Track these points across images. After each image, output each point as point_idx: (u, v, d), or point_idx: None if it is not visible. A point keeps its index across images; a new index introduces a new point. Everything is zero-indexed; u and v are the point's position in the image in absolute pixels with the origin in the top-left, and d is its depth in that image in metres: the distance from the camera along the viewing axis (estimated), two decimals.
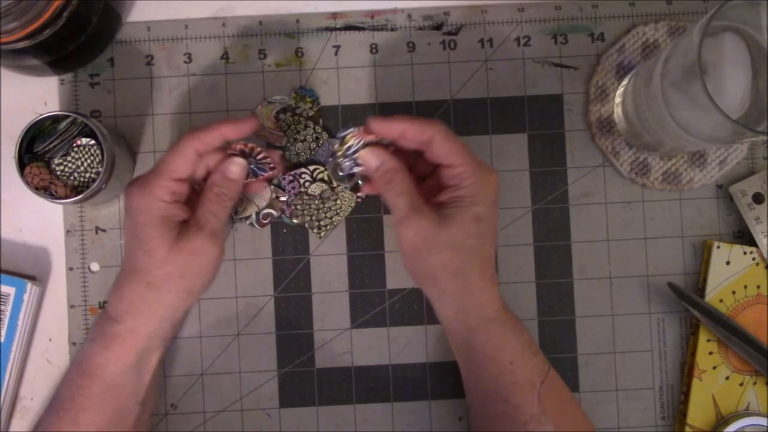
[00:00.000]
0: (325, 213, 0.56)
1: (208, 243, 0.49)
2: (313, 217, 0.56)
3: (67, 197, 0.52)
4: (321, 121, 0.57)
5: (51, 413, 0.49)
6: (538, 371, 0.49)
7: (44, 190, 0.52)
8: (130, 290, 0.48)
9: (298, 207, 0.56)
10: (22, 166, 0.52)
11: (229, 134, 0.49)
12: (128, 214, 0.49)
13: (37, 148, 0.53)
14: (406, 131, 0.48)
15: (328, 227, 0.56)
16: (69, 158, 0.53)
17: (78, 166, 0.53)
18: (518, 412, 0.48)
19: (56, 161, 0.53)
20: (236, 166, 0.50)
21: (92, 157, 0.53)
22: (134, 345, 0.49)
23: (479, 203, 0.48)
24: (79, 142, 0.53)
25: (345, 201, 0.56)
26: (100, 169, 0.52)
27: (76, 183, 0.53)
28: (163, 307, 0.49)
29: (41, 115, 0.51)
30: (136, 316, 0.49)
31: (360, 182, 0.56)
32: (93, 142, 0.53)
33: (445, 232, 0.47)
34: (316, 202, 0.56)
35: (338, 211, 0.56)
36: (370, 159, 0.50)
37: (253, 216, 0.56)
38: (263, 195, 0.56)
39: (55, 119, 0.53)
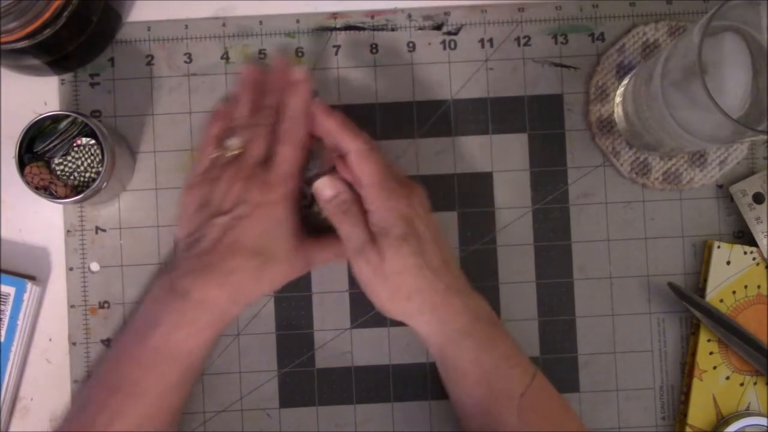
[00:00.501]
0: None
1: (314, 264, 0.53)
2: (315, 210, 0.56)
3: (67, 197, 0.52)
4: None
5: (120, 395, 0.48)
6: (518, 383, 0.48)
7: (44, 189, 0.52)
8: (237, 280, 0.49)
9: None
10: (22, 165, 0.52)
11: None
12: (257, 206, 0.49)
13: (37, 148, 0.53)
14: (331, 134, 0.51)
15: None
16: (69, 158, 0.53)
17: (78, 166, 0.53)
18: (497, 423, 0.48)
19: (56, 161, 0.53)
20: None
21: (92, 157, 0.53)
22: (220, 329, 0.51)
23: (394, 224, 0.48)
24: (79, 142, 0.53)
25: None
26: (100, 169, 0.52)
27: (76, 183, 0.53)
28: (255, 297, 0.52)
29: (41, 114, 0.51)
30: (232, 305, 0.50)
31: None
32: (93, 141, 0.53)
33: (385, 261, 0.48)
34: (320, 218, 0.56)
35: None
36: (325, 189, 0.51)
37: None
38: None
39: (55, 119, 0.53)
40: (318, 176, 0.51)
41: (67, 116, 0.53)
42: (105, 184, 0.52)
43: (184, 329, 0.48)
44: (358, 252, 0.49)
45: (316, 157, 0.52)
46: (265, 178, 0.49)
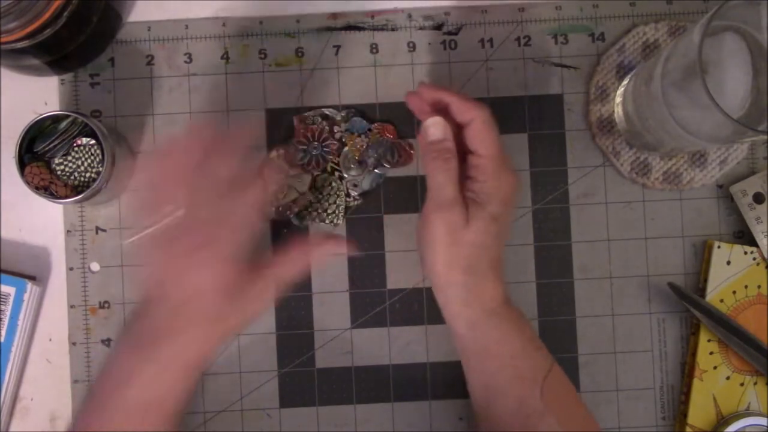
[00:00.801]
0: (326, 200, 0.56)
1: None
2: (318, 210, 0.56)
3: (67, 197, 0.52)
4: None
5: None
6: (541, 367, 0.49)
7: (44, 189, 0.52)
8: (211, 343, 0.46)
9: (302, 211, 0.56)
10: (22, 165, 0.52)
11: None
12: (188, 296, 0.44)
13: (37, 148, 0.53)
14: (453, 105, 0.49)
15: (337, 212, 0.56)
16: (69, 158, 0.53)
17: (78, 166, 0.53)
18: (520, 406, 0.48)
19: (56, 161, 0.53)
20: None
21: (92, 157, 0.53)
22: (199, 375, 0.47)
23: (494, 202, 0.48)
24: (79, 142, 0.53)
25: (336, 186, 0.56)
26: (101, 169, 0.52)
27: (76, 183, 0.53)
28: (219, 347, 0.47)
29: (41, 114, 0.51)
30: (211, 357, 0.47)
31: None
32: (93, 141, 0.53)
33: (468, 230, 0.48)
34: (314, 195, 0.56)
35: (337, 192, 0.56)
36: (436, 128, 0.49)
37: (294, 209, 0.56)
38: (303, 179, 0.56)
39: (56, 119, 0.53)
40: (378, 161, 0.54)
41: (67, 116, 0.53)
42: (105, 184, 0.52)
43: (160, 379, 0.45)
44: (444, 207, 0.48)
45: (386, 148, 0.54)
46: (195, 263, 0.44)
